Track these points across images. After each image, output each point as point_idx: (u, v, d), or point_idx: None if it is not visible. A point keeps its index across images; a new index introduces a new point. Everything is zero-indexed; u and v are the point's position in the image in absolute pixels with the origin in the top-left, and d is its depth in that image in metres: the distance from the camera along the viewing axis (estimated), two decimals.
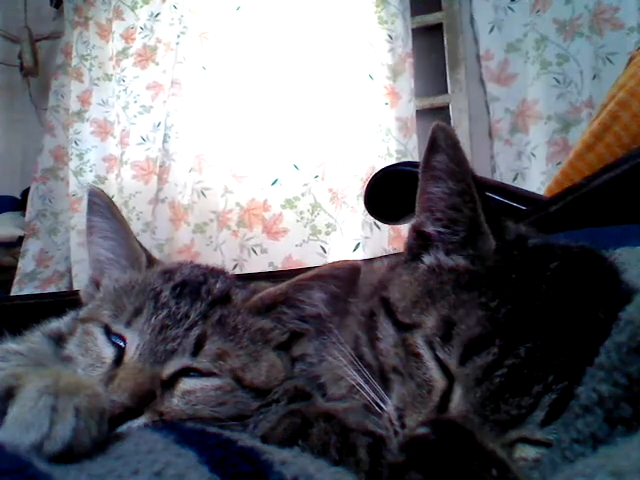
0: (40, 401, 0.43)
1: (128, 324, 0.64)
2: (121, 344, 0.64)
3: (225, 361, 0.63)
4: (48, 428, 0.42)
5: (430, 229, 0.66)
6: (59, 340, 0.72)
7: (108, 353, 0.64)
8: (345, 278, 0.69)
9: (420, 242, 0.67)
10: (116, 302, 0.67)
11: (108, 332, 0.65)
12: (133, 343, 0.62)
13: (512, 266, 0.58)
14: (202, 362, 0.62)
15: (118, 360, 0.63)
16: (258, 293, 0.71)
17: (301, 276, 0.70)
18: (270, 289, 0.71)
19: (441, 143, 0.61)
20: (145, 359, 0.61)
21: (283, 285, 0.70)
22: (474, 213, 0.61)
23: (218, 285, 0.70)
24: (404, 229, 2.51)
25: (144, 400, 0.58)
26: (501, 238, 0.61)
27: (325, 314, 0.70)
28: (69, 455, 0.42)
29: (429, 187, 0.64)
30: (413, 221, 0.68)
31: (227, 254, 2.72)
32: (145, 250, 0.77)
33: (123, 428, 0.55)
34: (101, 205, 0.74)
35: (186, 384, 0.61)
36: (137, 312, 0.64)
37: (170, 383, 0.61)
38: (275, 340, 0.70)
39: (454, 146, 0.61)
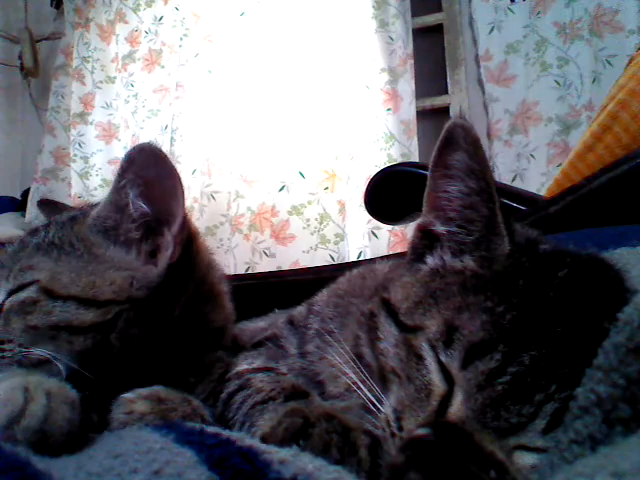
0: (14, 383, 0.49)
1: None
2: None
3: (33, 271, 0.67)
4: (23, 404, 0.47)
5: (440, 229, 0.64)
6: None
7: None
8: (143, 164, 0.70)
9: (426, 242, 0.65)
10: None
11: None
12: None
13: (520, 271, 0.57)
14: None
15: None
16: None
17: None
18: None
19: (460, 140, 0.59)
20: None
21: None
22: (492, 213, 0.59)
23: None
24: (404, 235, 2.51)
25: None
26: (512, 241, 0.60)
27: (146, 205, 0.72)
28: (48, 438, 0.46)
29: (442, 186, 0.62)
30: (419, 220, 0.66)
31: (239, 257, 2.74)
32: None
33: None
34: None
35: None
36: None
37: None
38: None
39: (474, 143, 0.59)
